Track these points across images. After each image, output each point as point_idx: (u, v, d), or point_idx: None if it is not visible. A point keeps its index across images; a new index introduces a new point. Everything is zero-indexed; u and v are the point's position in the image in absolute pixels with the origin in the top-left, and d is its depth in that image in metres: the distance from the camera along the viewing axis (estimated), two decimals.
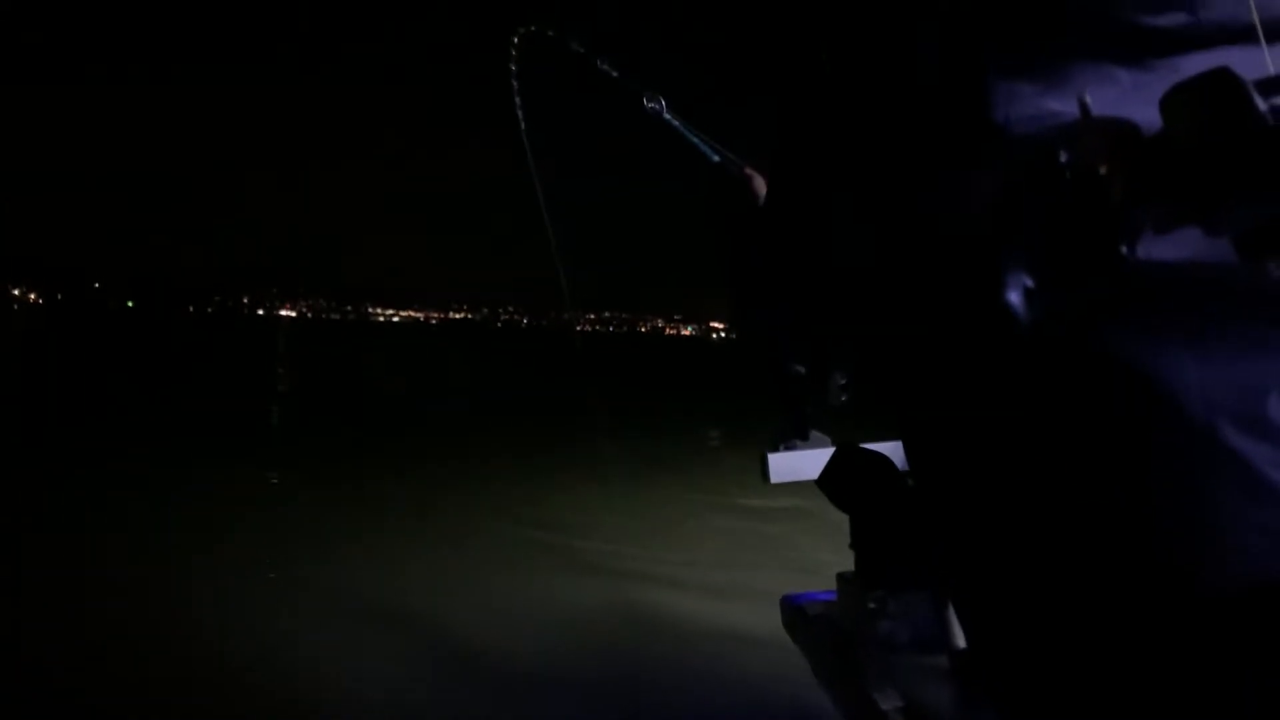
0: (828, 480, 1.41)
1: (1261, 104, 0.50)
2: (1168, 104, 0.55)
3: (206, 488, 6.50)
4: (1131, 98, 0.73)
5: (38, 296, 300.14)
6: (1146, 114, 0.72)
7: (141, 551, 4.85)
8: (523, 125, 1.63)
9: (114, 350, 28.09)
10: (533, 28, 1.67)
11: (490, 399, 15.61)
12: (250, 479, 7.09)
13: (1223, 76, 0.51)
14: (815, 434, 1.73)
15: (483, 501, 6.65)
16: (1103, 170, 0.59)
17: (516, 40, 1.65)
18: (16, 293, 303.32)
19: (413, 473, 7.80)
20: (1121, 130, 0.67)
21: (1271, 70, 0.68)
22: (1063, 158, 0.62)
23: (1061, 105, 0.75)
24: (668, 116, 1.69)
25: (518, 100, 1.64)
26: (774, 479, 1.70)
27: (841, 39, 0.92)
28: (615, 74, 1.73)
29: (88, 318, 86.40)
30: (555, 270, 1.74)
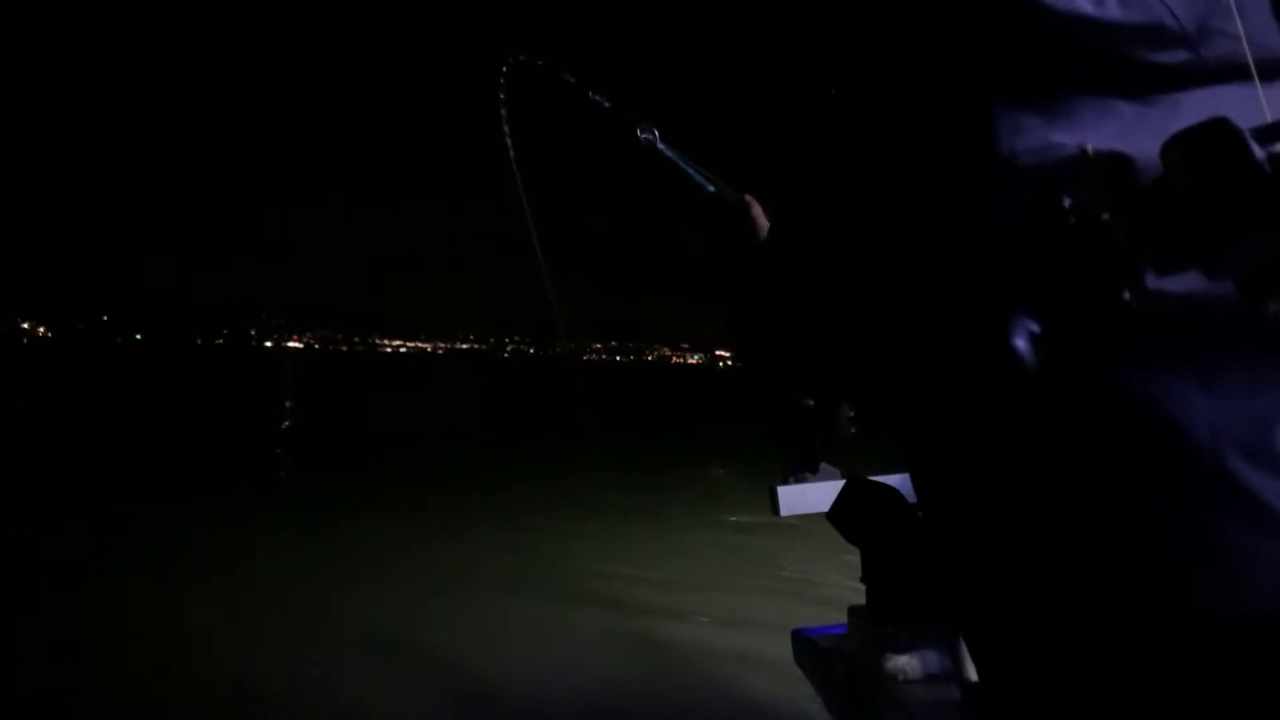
0: (838, 514, 1.41)
1: (1259, 152, 0.51)
2: (1167, 152, 0.56)
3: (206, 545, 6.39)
4: (1134, 130, 0.74)
5: (47, 330, 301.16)
6: (1148, 147, 0.73)
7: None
8: (512, 154, 1.62)
9: (124, 387, 28.07)
10: (521, 57, 1.67)
11: (489, 438, 15.43)
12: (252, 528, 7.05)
13: (1220, 126, 0.52)
14: (825, 466, 1.73)
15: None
16: (1105, 215, 0.60)
17: (505, 70, 1.64)
18: (26, 326, 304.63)
19: (405, 517, 7.68)
20: (1123, 175, 0.69)
21: (1267, 107, 0.69)
22: (1065, 201, 0.63)
23: (1066, 137, 0.75)
24: (661, 146, 1.66)
25: (506, 129, 1.63)
26: (784, 512, 1.69)
27: (845, 70, 0.93)
28: (607, 104, 1.70)
29: (97, 351, 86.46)
30: (555, 300, 1.73)
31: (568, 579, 5.42)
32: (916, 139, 0.83)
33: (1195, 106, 0.75)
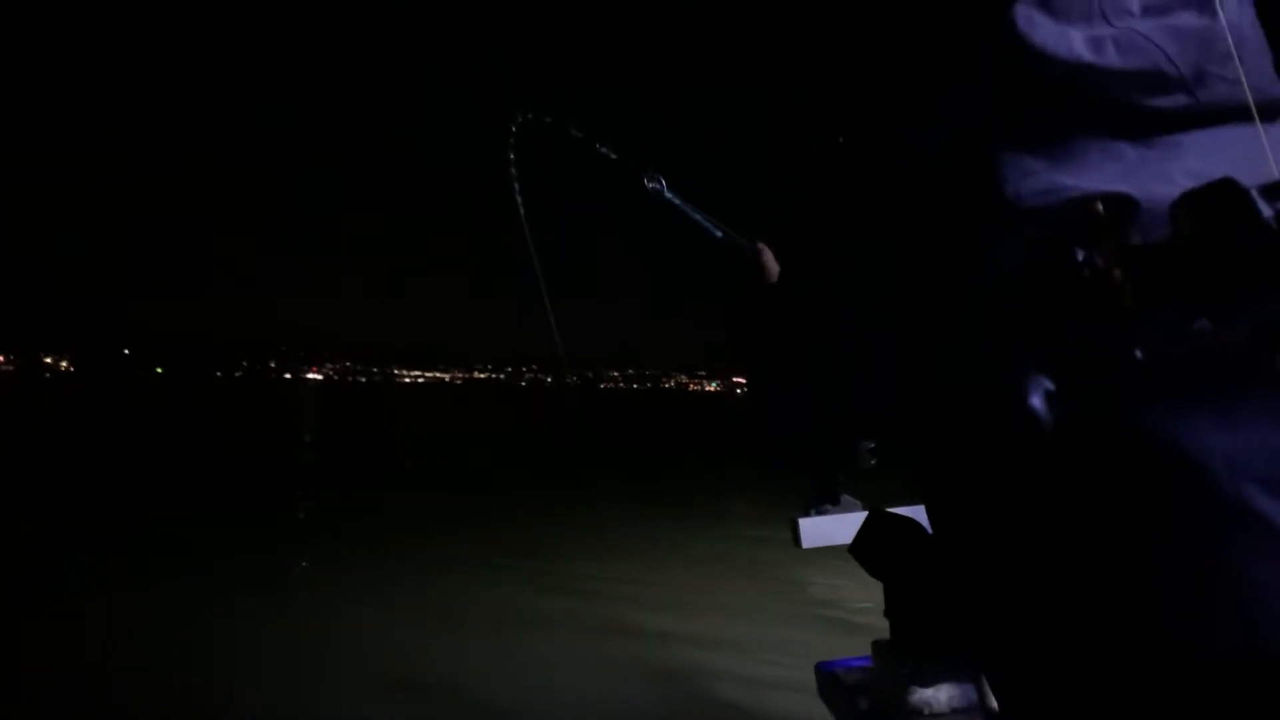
0: (860, 548, 1.42)
1: (1265, 209, 0.52)
2: (1176, 211, 0.57)
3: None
4: (1137, 172, 0.75)
5: (69, 365, 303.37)
6: (1151, 187, 0.74)
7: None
8: (522, 212, 1.65)
9: (149, 422, 28.20)
10: (530, 115, 1.69)
11: (503, 476, 15.27)
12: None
13: (1227, 186, 0.53)
14: (846, 498, 1.74)
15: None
16: (1115, 272, 0.61)
17: (514, 129, 1.66)
18: (49, 360, 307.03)
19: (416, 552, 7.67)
20: (1131, 230, 0.70)
21: (1269, 147, 0.71)
22: (1075, 255, 0.64)
23: (1073, 179, 0.76)
24: (669, 195, 1.69)
25: (516, 186, 1.66)
26: (805, 544, 1.70)
27: (853, 119, 0.95)
28: (614, 156, 1.73)
29: (120, 385, 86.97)
30: (560, 343, 1.73)
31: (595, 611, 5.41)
32: (927, 186, 0.85)
33: (1196, 148, 0.77)
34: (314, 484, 12.36)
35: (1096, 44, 0.78)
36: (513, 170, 1.68)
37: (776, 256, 1.45)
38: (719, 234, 1.61)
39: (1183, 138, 0.77)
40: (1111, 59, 0.77)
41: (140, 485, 11.69)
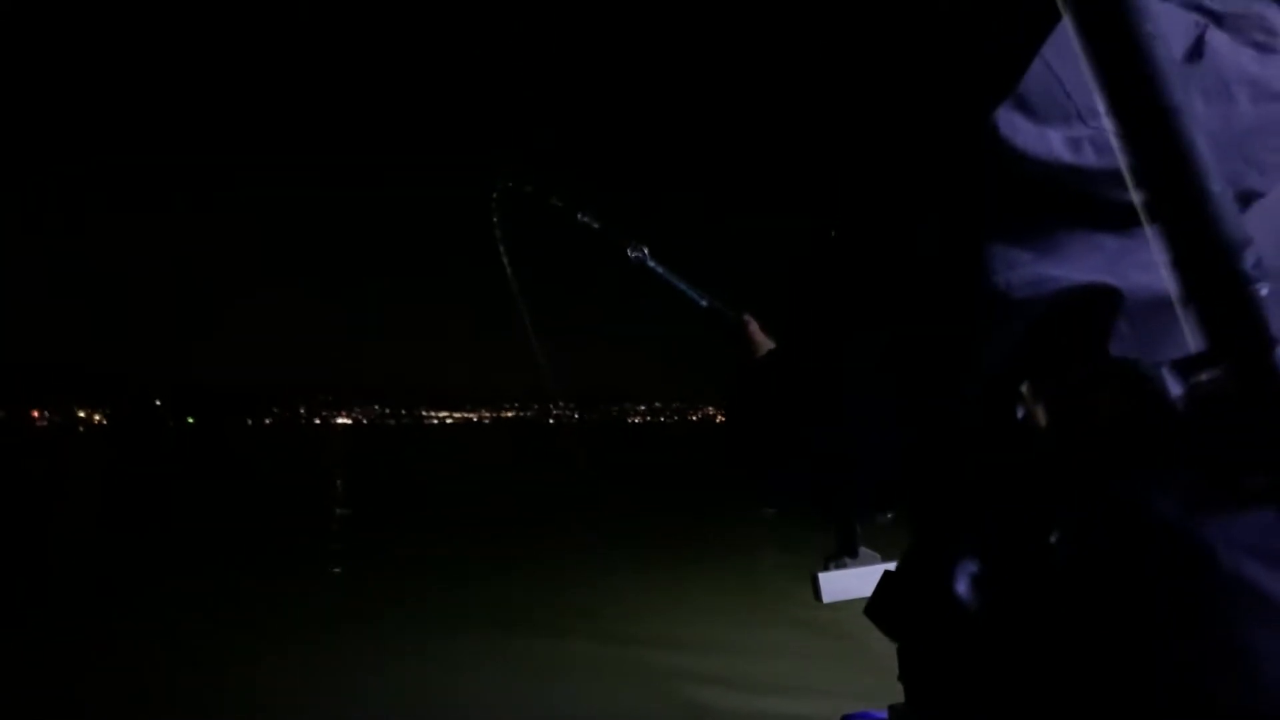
0: (876, 608, 1.42)
1: (1174, 388, 0.54)
2: (1088, 388, 0.59)
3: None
4: (1118, 263, 0.78)
5: (102, 417, 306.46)
6: (1133, 277, 0.77)
7: None
8: (509, 271, 1.66)
9: (185, 473, 28.33)
10: (510, 184, 1.69)
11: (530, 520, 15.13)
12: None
13: (1133, 366, 0.55)
14: (864, 550, 1.73)
15: None
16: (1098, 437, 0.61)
17: (495, 196, 1.67)
18: (82, 414, 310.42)
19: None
20: (1117, 321, 0.73)
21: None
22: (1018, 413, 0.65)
23: (1059, 270, 0.78)
24: (652, 264, 1.66)
25: (501, 249, 1.67)
26: (826, 599, 1.69)
27: (845, 215, 0.97)
28: (596, 225, 1.71)
29: (153, 437, 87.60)
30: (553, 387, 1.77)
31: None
32: (917, 277, 0.87)
33: None
34: (348, 535, 12.43)
35: (1075, 144, 0.80)
36: (497, 233, 1.68)
37: (763, 329, 1.46)
38: (704, 303, 1.59)
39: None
40: (1089, 158, 0.79)
41: (179, 537, 11.79)
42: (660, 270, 1.65)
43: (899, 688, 1.03)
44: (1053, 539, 0.73)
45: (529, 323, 1.69)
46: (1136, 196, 0.56)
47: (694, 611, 7.01)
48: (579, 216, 1.71)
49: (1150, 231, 0.55)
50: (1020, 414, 0.61)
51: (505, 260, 1.68)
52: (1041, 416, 0.59)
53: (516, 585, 8.20)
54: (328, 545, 11.08)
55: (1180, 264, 0.53)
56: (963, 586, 0.79)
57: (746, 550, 10.22)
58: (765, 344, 1.42)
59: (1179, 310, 0.52)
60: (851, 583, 1.70)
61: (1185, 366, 0.53)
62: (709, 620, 6.62)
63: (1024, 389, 0.60)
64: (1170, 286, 0.54)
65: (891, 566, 1.57)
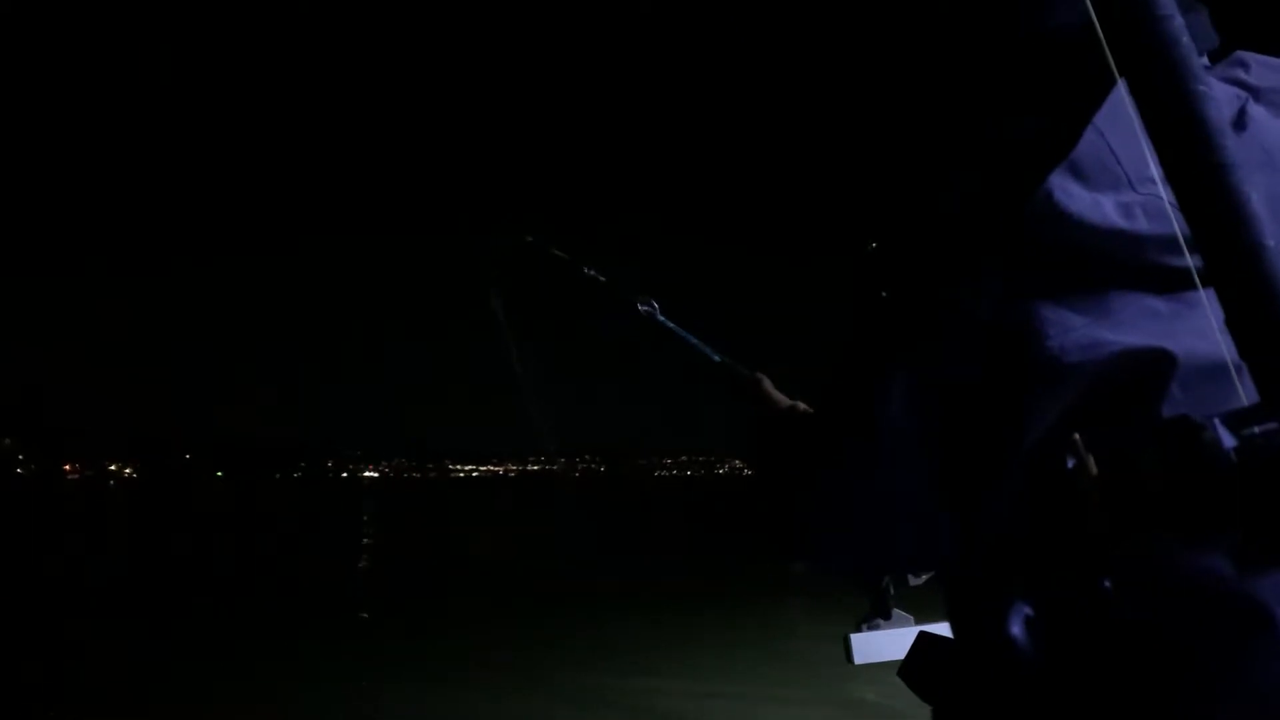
0: (909, 671, 1.41)
1: (1227, 440, 0.53)
2: (1142, 445, 0.58)
3: None
4: (1172, 328, 0.79)
5: (133, 471, 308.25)
6: (1187, 342, 0.78)
7: None
8: (503, 325, 1.63)
9: (214, 531, 28.25)
10: (508, 239, 1.66)
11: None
12: None
13: (1184, 422, 0.54)
14: (897, 612, 1.72)
15: None
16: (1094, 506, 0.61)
17: (492, 247, 1.65)
18: (113, 468, 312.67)
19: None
20: (1170, 386, 0.74)
21: None
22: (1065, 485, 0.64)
23: (1113, 335, 0.79)
24: (661, 318, 1.60)
25: (496, 305, 1.64)
26: (858, 660, 1.67)
27: (895, 275, 0.97)
28: (603, 279, 1.65)
29: (184, 492, 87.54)
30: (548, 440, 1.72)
31: None
32: (970, 342, 0.87)
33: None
34: (377, 599, 12.36)
35: (1126, 210, 0.82)
36: (491, 288, 1.65)
37: (776, 386, 1.41)
38: (717, 359, 1.54)
39: (1211, 294, 0.80)
40: (1141, 224, 0.81)
41: (210, 601, 11.74)
42: (671, 325, 1.61)
43: None
44: (1106, 584, 0.73)
45: (525, 386, 1.65)
46: (1192, 259, 0.57)
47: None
48: (585, 270, 1.67)
49: (1204, 294, 0.56)
50: (1070, 464, 0.61)
51: (502, 322, 1.65)
52: (1092, 467, 0.60)
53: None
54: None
55: (1236, 319, 0.53)
56: (1017, 629, 0.78)
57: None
58: (782, 401, 1.40)
59: (1232, 370, 0.52)
60: (884, 644, 1.68)
61: (1237, 419, 0.53)
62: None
63: (1076, 438, 0.61)
64: (1225, 347, 0.55)
65: (926, 628, 1.57)
